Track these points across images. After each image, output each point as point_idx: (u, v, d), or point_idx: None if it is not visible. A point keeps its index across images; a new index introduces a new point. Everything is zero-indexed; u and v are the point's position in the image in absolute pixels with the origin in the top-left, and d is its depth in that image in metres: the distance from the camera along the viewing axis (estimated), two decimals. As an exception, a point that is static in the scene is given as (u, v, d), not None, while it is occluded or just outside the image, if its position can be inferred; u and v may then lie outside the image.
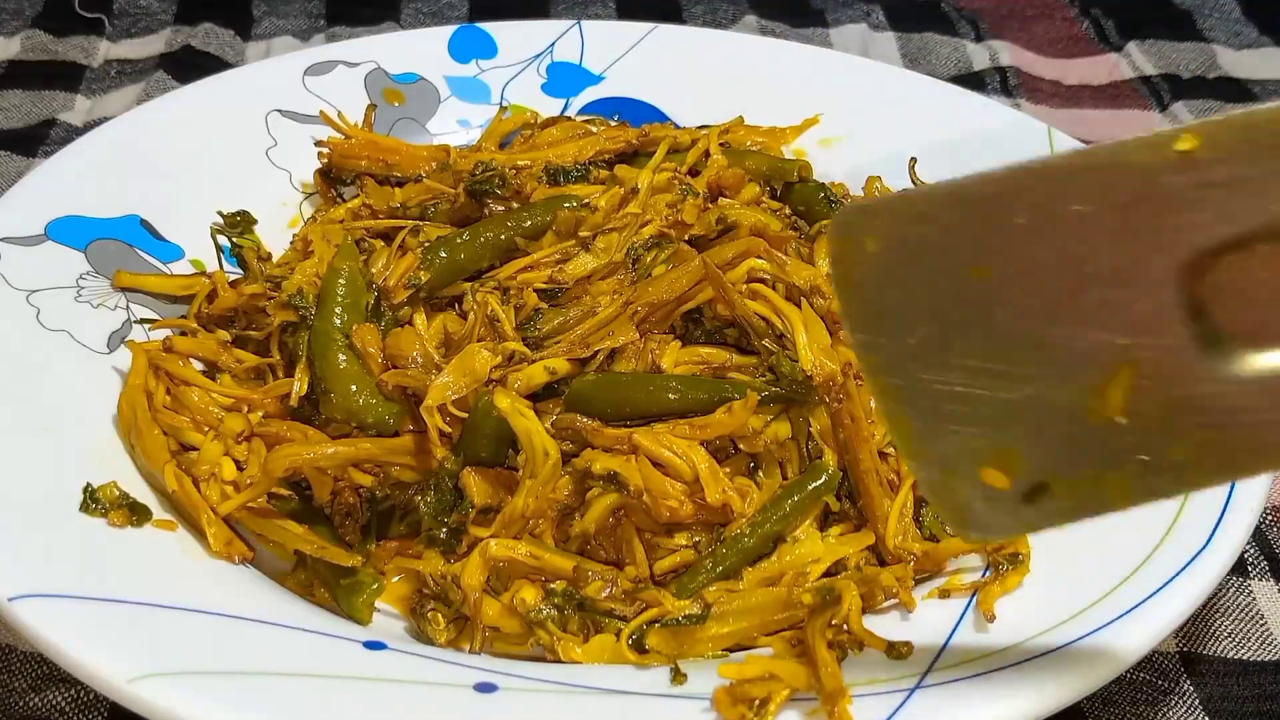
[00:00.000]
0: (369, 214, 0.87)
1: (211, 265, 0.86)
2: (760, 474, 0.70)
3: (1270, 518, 0.79)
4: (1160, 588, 0.60)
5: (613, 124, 0.98)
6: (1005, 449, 0.50)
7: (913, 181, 0.89)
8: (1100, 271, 0.47)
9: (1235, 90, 1.24)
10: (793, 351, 0.71)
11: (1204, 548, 0.62)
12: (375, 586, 0.67)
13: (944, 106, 1.00)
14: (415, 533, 0.70)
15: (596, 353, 0.72)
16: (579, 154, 0.89)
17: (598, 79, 1.05)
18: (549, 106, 1.03)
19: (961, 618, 0.62)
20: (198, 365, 0.78)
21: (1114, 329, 0.47)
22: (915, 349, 0.51)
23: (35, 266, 0.79)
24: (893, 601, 0.65)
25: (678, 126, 0.97)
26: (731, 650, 0.63)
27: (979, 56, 1.28)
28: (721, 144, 0.92)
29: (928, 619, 0.63)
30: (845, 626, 0.59)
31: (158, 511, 0.68)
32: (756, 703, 0.56)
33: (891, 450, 0.70)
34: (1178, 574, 0.61)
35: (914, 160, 0.89)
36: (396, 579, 0.70)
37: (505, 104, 1.04)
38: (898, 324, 0.51)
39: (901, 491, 0.68)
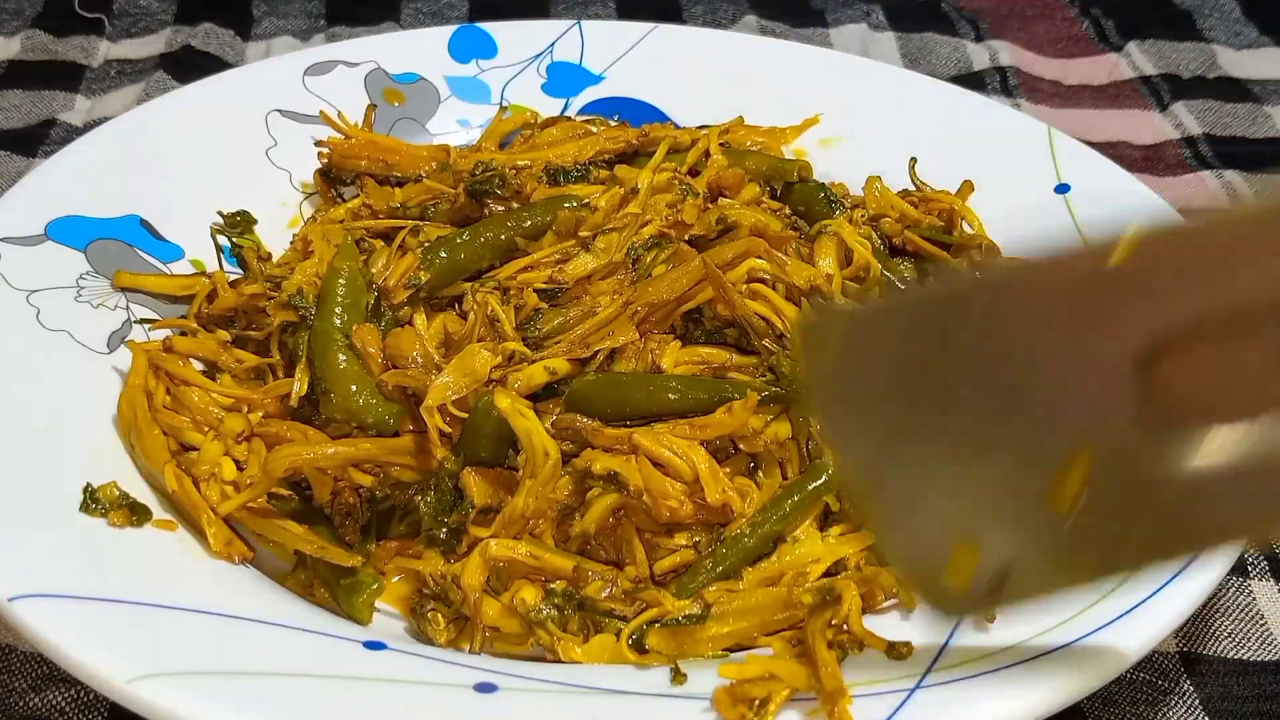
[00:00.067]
0: (369, 214, 0.87)
1: (211, 265, 0.86)
2: (760, 474, 0.70)
3: (1270, 518, 0.79)
4: (1160, 588, 0.60)
5: (613, 124, 0.98)
6: (969, 536, 0.53)
7: (913, 181, 0.89)
8: (1052, 367, 0.50)
9: (1235, 90, 1.24)
10: (793, 351, 0.71)
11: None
12: (375, 586, 0.67)
13: (944, 106, 1.00)
14: (415, 533, 0.70)
15: (596, 353, 0.72)
16: (579, 154, 0.89)
17: (598, 79, 1.05)
18: (549, 106, 1.03)
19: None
20: (198, 365, 0.78)
21: (1068, 420, 0.50)
22: (881, 443, 0.53)
23: (35, 266, 0.79)
24: (893, 601, 0.65)
25: (678, 126, 0.97)
26: (731, 650, 0.63)
27: (979, 56, 1.28)
28: (721, 144, 0.92)
29: (928, 619, 0.63)
30: (845, 626, 0.59)
31: (158, 511, 0.68)
32: (756, 703, 0.56)
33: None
34: (1178, 574, 0.61)
35: (914, 160, 0.89)
36: (396, 579, 0.70)
37: (505, 104, 1.04)
38: (864, 419, 0.53)
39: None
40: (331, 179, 0.93)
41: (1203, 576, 0.61)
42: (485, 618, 0.64)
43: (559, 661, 0.63)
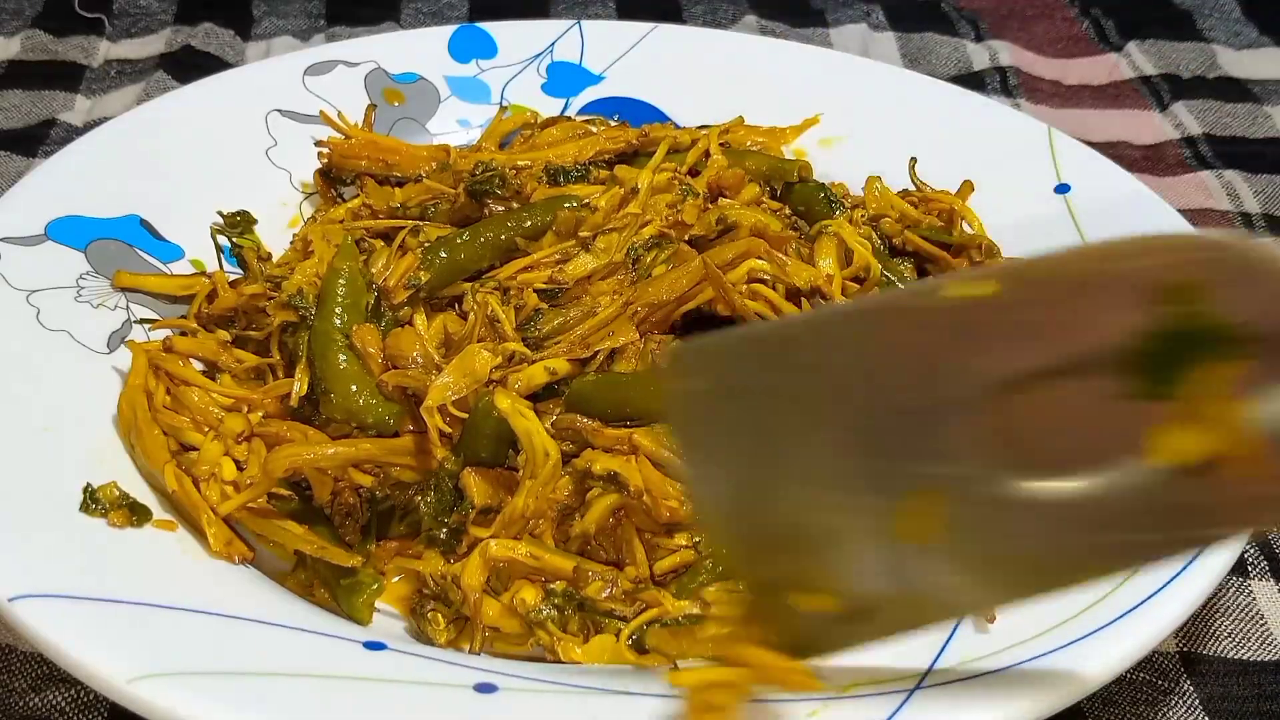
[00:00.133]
0: (369, 214, 0.87)
1: (211, 265, 0.86)
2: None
3: (1270, 518, 0.79)
4: (1160, 588, 0.60)
5: (613, 124, 0.98)
6: (828, 573, 0.52)
7: (913, 181, 0.89)
8: (909, 405, 0.51)
9: (1235, 90, 1.24)
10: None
11: (1204, 548, 0.62)
12: (375, 587, 0.67)
13: (944, 106, 1.00)
14: (415, 533, 0.70)
15: (596, 353, 0.72)
16: (579, 154, 0.89)
17: (598, 79, 1.05)
18: (549, 106, 1.03)
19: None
20: (198, 365, 0.78)
21: (926, 458, 0.50)
22: (742, 480, 0.53)
23: (35, 266, 0.79)
24: (893, 602, 0.65)
25: (678, 126, 0.97)
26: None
27: (979, 56, 1.28)
28: (721, 144, 0.92)
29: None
30: None
31: (158, 511, 0.68)
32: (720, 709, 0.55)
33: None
34: (1178, 574, 0.61)
35: (914, 160, 0.89)
36: (396, 579, 0.70)
37: (505, 104, 1.04)
38: (725, 455, 0.54)
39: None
40: (331, 179, 0.93)
41: (1202, 577, 0.61)
42: (485, 618, 0.64)
43: (559, 661, 0.63)
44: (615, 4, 1.36)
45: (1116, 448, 0.48)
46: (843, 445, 0.52)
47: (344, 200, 0.91)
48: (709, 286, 0.74)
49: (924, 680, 0.57)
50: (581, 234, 0.78)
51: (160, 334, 0.80)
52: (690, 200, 0.80)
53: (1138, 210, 0.87)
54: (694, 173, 0.87)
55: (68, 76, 1.20)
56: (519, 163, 0.87)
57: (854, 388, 0.52)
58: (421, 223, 0.83)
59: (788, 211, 0.85)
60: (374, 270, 0.77)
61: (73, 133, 1.10)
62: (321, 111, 0.97)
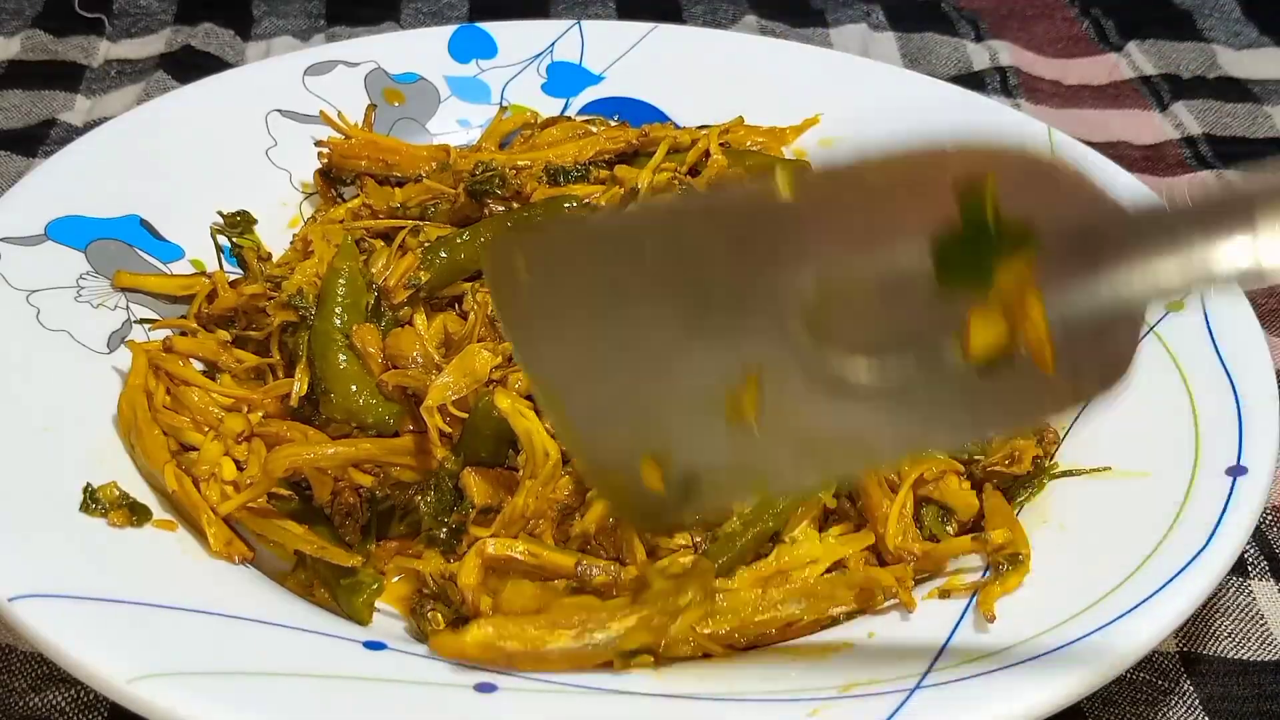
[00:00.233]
0: (369, 214, 0.87)
1: (211, 265, 0.86)
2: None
3: (1270, 518, 0.79)
4: (1160, 588, 0.60)
5: (613, 124, 0.98)
6: (658, 449, 0.56)
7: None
8: (726, 294, 0.54)
9: (1235, 90, 1.24)
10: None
11: (1204, 548, 0.62)
12: (375, 586, 0.67)
13: (944, 106, 1.00)
14: (415, 533, 0.70)
15: (596, 353, 0.72)
16: (579, 154, 0.89)
17: (598, 79, 1.05)
18: (549, 106, 1.03)
19: (961, 618, 0.62)
20: (198, 365, 0.78)
21: (741, 345, 0.54)
22: (570, 361, 0.57)
23: (35, 266, 0.79)
24: (893, 601, 0.65)
25: (678, 126, 0.97)
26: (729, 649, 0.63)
27: (979, 56, 1.28)
28: (721, 144, 0.92)
29: (928, 619, 0.63)
30: None
31: (158, 511, 0.68)
32: None
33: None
34: (1178, 574, 0.61)
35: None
36: (396, 579, 0.70)
37: (505, 104, 1.03)
38: (552, 338, 0.57)
39: (901, 492, 0.68)
40: (331, 179, 0.93)
41: (1203, 576, 0.61)
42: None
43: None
44: (615, 4, 1.36)
45: (920, 337, 0.52)
46: (663, 331, 0.55)
47: (344, 200, 0.91)
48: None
49: (924, 680, 0.57)
50: (581, 234, 0.78)
51: (160, 334, 0.80)
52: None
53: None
54: (694, 173, 0.87)
55: (68, 76, 1.20)
56: (519, 163, 0.87)
57: (670, 277, 0.54)
58: (421, 223, 0.83)
59: (788, 211, 0.85)
60: (374, 270, 0.77)
61: (73, 133, 1.10)
62: (321, 111, 0.97)
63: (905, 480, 0.69)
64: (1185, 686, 0.69)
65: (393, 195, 0.88)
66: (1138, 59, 1.28)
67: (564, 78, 1.05)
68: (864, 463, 0.60)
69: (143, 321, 0.80)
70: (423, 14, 1.33)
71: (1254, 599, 0.74)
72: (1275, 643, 0.71)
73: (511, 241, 0.60)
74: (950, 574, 0.66)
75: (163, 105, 0.97)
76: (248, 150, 0.95)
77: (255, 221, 0.90)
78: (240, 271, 0.87)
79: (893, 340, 0.52)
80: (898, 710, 0.55)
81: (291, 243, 0.89)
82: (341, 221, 0.86)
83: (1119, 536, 0.64)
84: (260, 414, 0.74)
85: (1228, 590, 0.74)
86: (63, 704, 0.66)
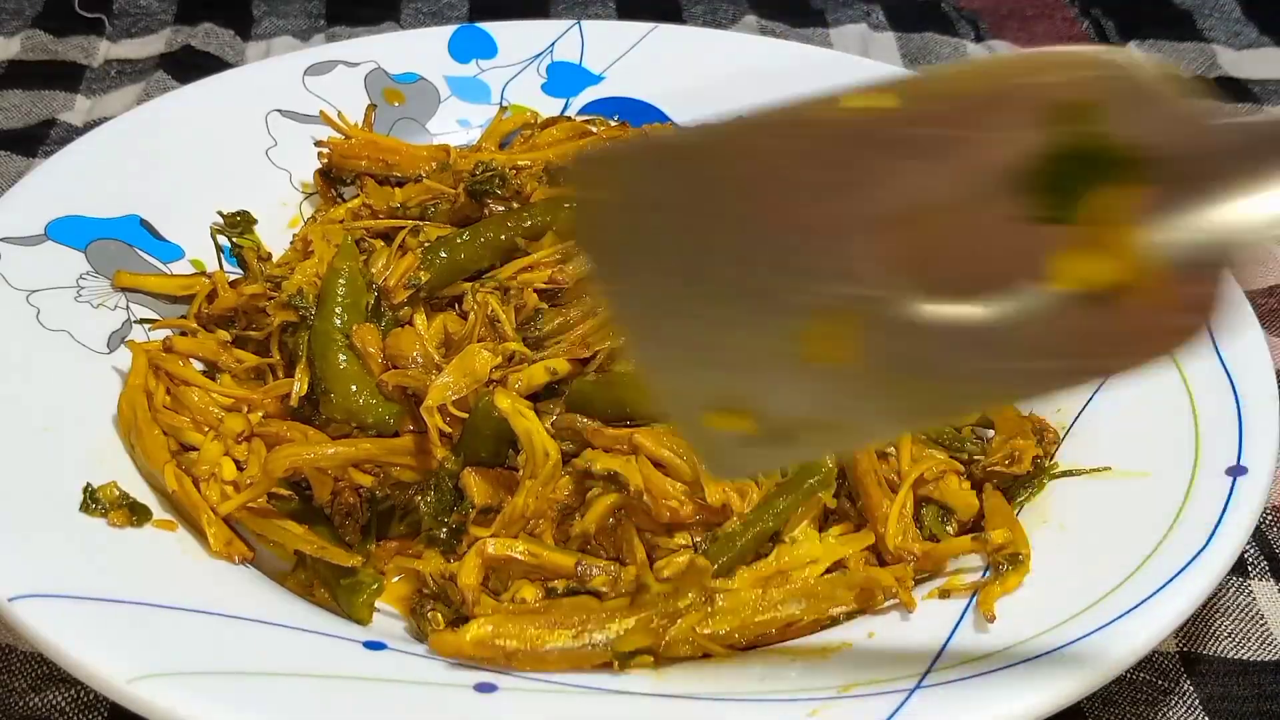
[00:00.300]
0: (369, 214, 0.87)
1: (211, 265, 0.86)
2: (760, 474, 0.70)
3: (1270, 518, 0.79)
4: (1160, 588, 0.60)
5: (613, 124, 0.98)
6: (744, 393, 0.52)
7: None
8: (813, 221, 0.49)
9: (1235, 90, 1.24)
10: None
11: (1204, 547, 0.62)
12: (375, 586, 0.67)
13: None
14: (415, 533, 0.70)
15: (597, 353, 0.72)
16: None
17: (598, 79, 1.05)
18: (549, 106, 1.03)
19: (961, 618, 0.62)
20: (198, 365, 0.78)
21: (830, 277, 0.49)
22: (656, 298, 0.52)
23: (35, 266, 0.79)
24: (893, 601, 0.65)
25: (678, 126, 0.97)
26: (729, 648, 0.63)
27: (979, 56, 1.28)
28: (721, 144, 0.91)
29: (928, 619, 0.63)
30: None
31: (158, 511, 0.68)
32: None
33: (891, 451, 0.70)
34: (1178, 574, 0.61)
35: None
36: (396, 579, 0.70)
37: (505, 104, 1.03)
38: (638, 273, 0.52)
39: (901, 491, 0.68)
40: (331, 179, 0.93)
41: (1203, 577, 0.61)
42: (485, 618, 0.64)
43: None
44: (615, 4, 1.36)
45: (1018, 272, 0.48)
46: (747, 260, 0.51)
47: (344, 200, 0.91)
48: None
49: (924, 680, 0.57)
50: (581, 234, 0.78)
51: (160, 334, 0.80)
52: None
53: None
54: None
55: (68, 76, 1.20)
56: (519, 163, 0.87)
57: (757, 201, 0.50)
58: (421, 223, 0.83)
59: (788, 211, 0.85)
60: (374, 270, 0.77)
61: (73, 133, 1.10)
62: (321, 111, 0.97)
63: (905, 480, 0.69)
64: (1185, 686, 0.69)
65: (393, 195, 0.88)
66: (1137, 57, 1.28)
67: (564, 78, 1.05)
68: (953, 410, 0.54)
69: (143, 321, 0.80)
70: (423, 14, 1.33)
71: (1254, 599, 0.74)
72: (1275, 643, 0.71)
73: (594, 167, 0.54)
74: (950, 574, 0.66)
75: (163, 105, 0.97)
76: (248, 150, 0.95)
77: (255, 221, 0.90)
78: (240, 271, 0.87)
79: (990, 276, 0.48)
80: (898, 710, 0.55)
81: (291, 243, 0.89)
82: (341, 221, 0.86)
83: (1119, 536, 0.64)
84: (260, 414, 0.74)
85: (1228, 590, 0.74)
86: (63, 704, 0.66)
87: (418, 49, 1.06)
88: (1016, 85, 0.47)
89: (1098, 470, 0.70)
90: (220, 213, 0.89)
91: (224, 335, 0.79)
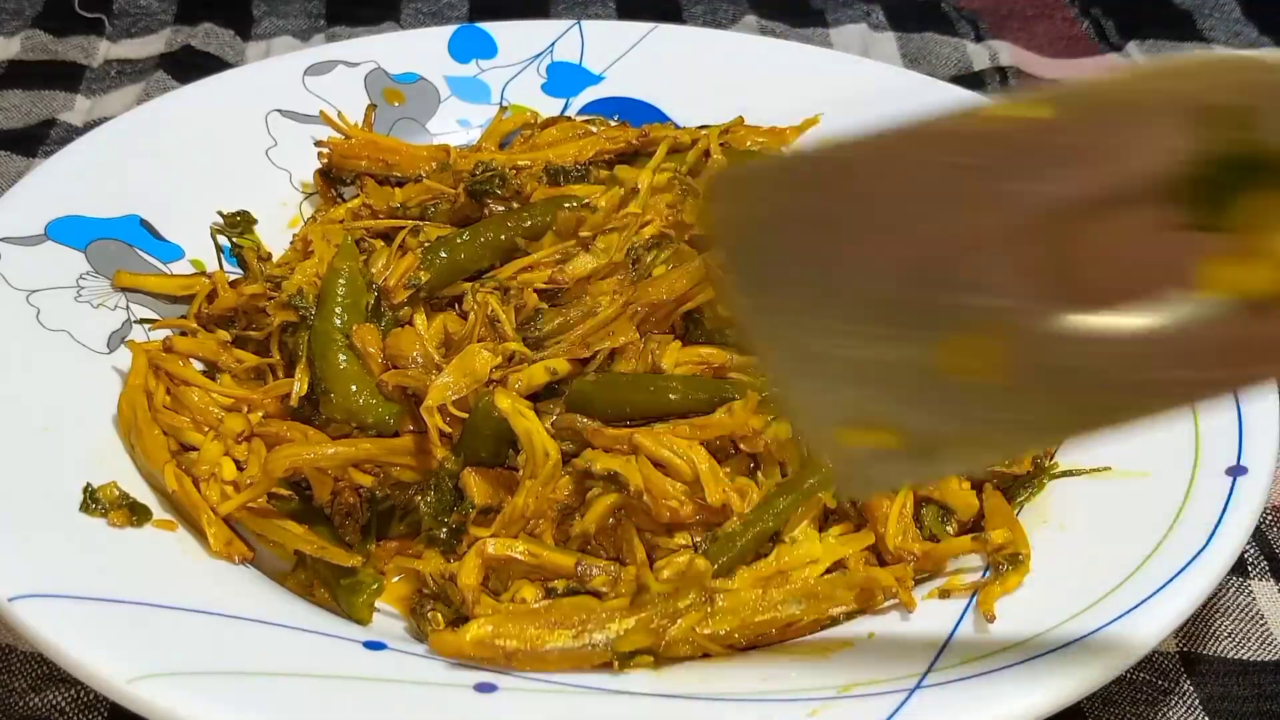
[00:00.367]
0: (369, 214, 0.87)
1: (211, 265, 0.86)
2: (760, 474, 0.70)
3: (1270, 518, 0.79)
4: (1160, 588, 0.60)
5: (613, 124, 0.98)
6: (886, 408, 0.51)
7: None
8: (962, 235, 0.48)
9: (1235, 90, 1.24)
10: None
11: (1204, 547, 0.62)
12: (375, 586, 0.67)
13: (944, 107, 1.00)
14: (415, 533, 0.70)
15: (597, 353, 0.72)
16: (579, 154, 0.89)
17: (598, 79, 1.05)
18: (549, 106, 1.03)
19: (961, 618, 0.62)
20: (198, 365, 0.78)
21: (974, 290, 0.48)
22: (797, 312, 0.52)
23: (35, 266, 0.79)
24: (893, 601, 0.65)
25: (678, 126, 0.97)
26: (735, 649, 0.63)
27: (979, 56, 1.28)
28: (721, 144, 0.92)
29: (928, 619, 0.63)
30: None
31: (158, 511, 0.68)
32: None
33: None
34: (1178, 574, 0.61)
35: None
36: (396, 579, 0.70)
37: (505, 104, 1.04)
38: (779, 288, 0.52)
39: (901, 491, 0.68)
40: (331, 179, 0.93)
41: (1202, 576, 0.61)
42: (485, 618, 0.64)
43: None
44: (615, 4, 1.36)
45: (1169, 281, 0.46)
46: (887, 274, 0.50)
47: (344, 200, 0.91)
48: (709, 287, 0.73)
49: (924, 680, 0.57)
50: (581, 234, 0.78)
51: (160, 334, 0.80)
52: (690, 200, 0.80)
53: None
54: (694, 173, 0.87)
55: (68, 76, 1.20)
56: (519, 163, 0.87)
57: (898, 214, 0.49)
58: (421, 223, 0.83)
59: (788, 211, 0.85)
60: (374, 270, 0.77)
61: (73, 133, 1.10)
62: (321, 111, 0.97)
63: (905, 480, 0.69)
64: (1185, 686, 0.69)
65: (393, 195, 0.88)
66: (1138, 59, 1.28)
67: (564, 78, 1.05)
68: (1105, 425, 0.51)
69: (143, 321, 0.80)
70: (423, 14, 1.33)
71: (1254, 599, 0.74)
72: (1275, 643, 0.71)
73: (735, 182, 0.54)
74: (950, 574, 0.66)
75: (163, 105, 0.97)
76: (248, 150, 0.95)
77: (255, 221, 0.90)
78: (240, 271, 0.87)
79: (1140, 285, 0.47)
80: (898, 710, 0.55)
81: (291, 243, 0.89)
82: (341, 221, 0.86)
83: (1119, 536, 0.64)
84: (260, 414, 0.74)
85: (1228, 590, 0.74)
86: (63, 704, 0.66)
87: (418, 49, 1.06)
88: (1165, 91, 0.46)
89: (1098, 470, 0.70)
90: (220, 213, 0.89)
91: (224, 335, 0.79)
